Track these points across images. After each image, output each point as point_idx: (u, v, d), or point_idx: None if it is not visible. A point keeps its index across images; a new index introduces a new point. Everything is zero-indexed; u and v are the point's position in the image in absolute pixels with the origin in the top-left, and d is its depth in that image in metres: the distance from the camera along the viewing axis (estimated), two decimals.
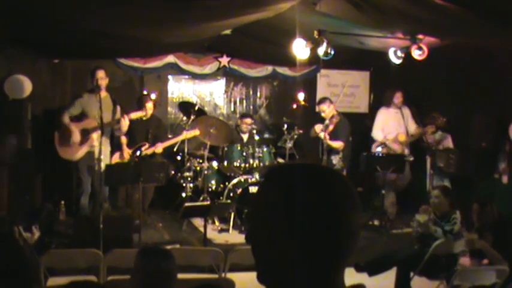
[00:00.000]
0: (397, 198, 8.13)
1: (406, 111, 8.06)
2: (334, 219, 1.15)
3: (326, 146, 7.53)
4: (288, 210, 1.14)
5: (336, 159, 7.50)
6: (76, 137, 6.89)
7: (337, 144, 7.43)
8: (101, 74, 6.97)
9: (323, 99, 7.77)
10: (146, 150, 7.31)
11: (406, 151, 7.98)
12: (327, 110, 7.57)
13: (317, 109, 7.82)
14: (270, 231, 1.17)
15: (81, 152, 6.99)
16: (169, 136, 8.11)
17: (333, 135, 7.47)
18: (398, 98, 8.02)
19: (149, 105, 7.36)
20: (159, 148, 7.36)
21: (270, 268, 1.19)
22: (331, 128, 7.45)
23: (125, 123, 6.92)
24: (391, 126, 8.08)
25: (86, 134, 6.95)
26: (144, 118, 7.32)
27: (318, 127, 7.60)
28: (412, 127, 7.98)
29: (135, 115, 7.00)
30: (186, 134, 7.53)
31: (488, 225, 5.42)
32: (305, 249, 1.14)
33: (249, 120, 8.33)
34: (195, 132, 7.53)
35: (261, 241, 1.19)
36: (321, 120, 7.83)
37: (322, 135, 7.40)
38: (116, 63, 8.47)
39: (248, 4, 5.56)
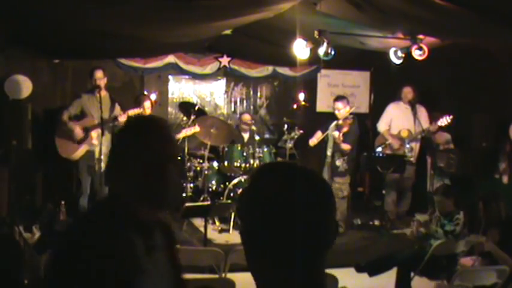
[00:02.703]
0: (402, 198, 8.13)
1: (421, 109, 7.91)
2: (313, 217, 1.22)
3: (334, 146, 7.39)
4: (272, 208, 1.21)
5: (339, 161, 7.42)
6: (78, 133, 6.94)
7: (346, 147, 7.32)
8: (99, 74, 7.01)
9: (341, 97, 7.55)
10: None
11: (410, 146, 7.89)
12: (342, 110, 7.38)
13: (332, 106, 7.62)
14: (256, 228, 1.24)
15: (81, 151, 7.02)
16: None
17: (343, 137, 7.33)
18: (406, 93, 7.91)
19: (147, 104, 7.35)
20: None
21: (260, 263, 1.26)
22: (345, 129, 7.30)
23: (122, 120, 6.95)
24: (399, 122, 7.98)
25: (85, 132, 6.99)
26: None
27: (312, 141, 7.52)
28: (425, 126, 7.80)
29: (133, 112, 7.02)
30: (186, 132, 7.50)
31: (494, 223, 5.40)
32: (289, 245, 1.20)
33: (247, 117, 8.34)
34: (194, 129, 7.51)
35: (250, 237, 1.27)
36: (321, 121, 7.81)
37: (336, 134, 7.25)
38: (116, 63, 8.47)
39: (248, 4, 5.56)
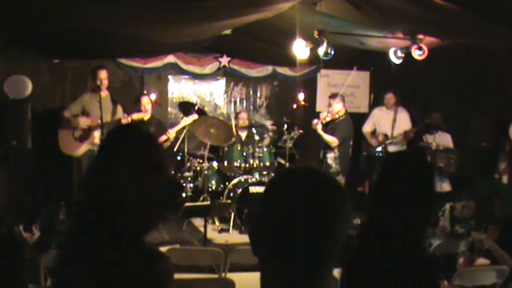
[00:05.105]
0: None
1: (403, 113, 8.00)
2: (325, 221, 1.24)
3: (322, 141, 7.51)
4: (287, 213, 1.23)
5: (331, 159, 7.45)
6: (84, 122, 6.92)
7: (330, 139, 7.39)
8: (104, 75, 7.00)
9: (335, 95, 7.73)
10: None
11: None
12: (334, 106, 7.51)
13: (327, 103, 7.79)
14: (270, 230, 1.25)
15: (83, 149, 7.03)
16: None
17: (331, 130, 7.45)
18: (388, 99, 8.05)
19: (145, 100, 7.35)
20: (171, 133, 7.31)
21: (270, 265, 1.27)
22: (327, 119, 7.42)
23: (126, 123, 6.94)
24: (381, 126, 8.15)
25: (87, 131, 6.99)
26: (144, 119, 7.32)
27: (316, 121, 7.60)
28: (405, 129, 7.91)
29: (137, 116, 7.01)
30: (186, 120, 7.48)
31: (488, 221, 5.42)
32: (301, 248, 1.22)
33: (244, 115, 8.36)
34: (193, 117, 7.49)
35: (262, 238, 1.28)
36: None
37: (314, 121, 7.39)
38: (116, 63, 8.46)
39: (248, 4, 5.56)
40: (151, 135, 1.96)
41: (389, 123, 8.01)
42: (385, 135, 7.99)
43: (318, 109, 9.53)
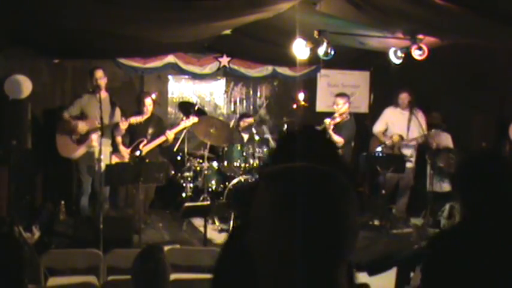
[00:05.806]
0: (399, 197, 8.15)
1: (418, 114, 7.88)
2: (333, 218, 1.16)
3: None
4: (287, 211, 1.15)
5: None
6: (82, 128, 6.88)
7: (337, 139, 7.40)
8: (99, 74, 6.97)
9: (343, 94, 7.78)
10: (160, 139, 7.24)
11: (409, 152, 7.93)
12: (341, 105, 7.53)
13: (333, 101, 7.80)
14: (269, 232, 1.18)
15: (80, 152, 7.00)
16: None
17: (337, 130, 7.46)
18: (402, 99, 7.94)
19: (148, 101, 7.30)
20: (170, 134, 7.27)
21: (270, 269, 1.20)
22: (337, 120, 7.46)
23: (123, 127, 6.92)
24: (395, 126, 8.01)
25: (85, 134, 6.96)
26: (144, 117, 7.30)
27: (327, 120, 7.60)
28: (421, 131, 7.83)
29: (134, 120, 6.95)
30: (186, 122, 7.45)
31: None
32: (305, 249, 1.15)
33: (251, 120, 8.36)
34: (193, 120, 7.48)
35: (261, 243, 1.20)
36: (321, 121, 7.83)
37: (327, 121, 7.41)
38: (116, 63, 8.46)
39: (248, 4, 5.56)
40: (330, 141, 1.93)
41: (404, 123, 7.88)
42: (401, 136, 7.92)
43: (318, 109, 9.54)
